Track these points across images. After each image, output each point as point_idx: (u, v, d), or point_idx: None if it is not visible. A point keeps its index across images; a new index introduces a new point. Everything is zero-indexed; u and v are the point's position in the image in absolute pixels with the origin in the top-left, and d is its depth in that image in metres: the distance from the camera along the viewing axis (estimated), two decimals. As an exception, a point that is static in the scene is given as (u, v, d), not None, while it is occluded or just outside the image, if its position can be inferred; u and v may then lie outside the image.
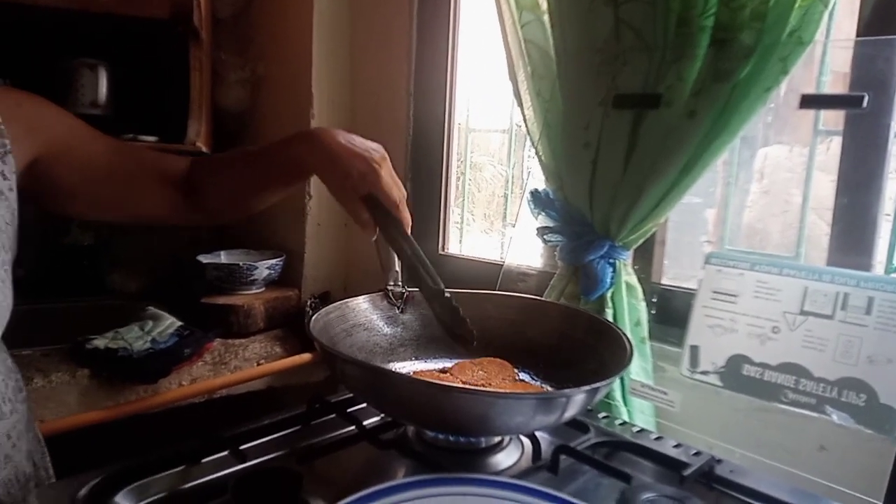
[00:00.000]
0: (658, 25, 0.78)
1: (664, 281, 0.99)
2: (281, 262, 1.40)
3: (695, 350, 0.79)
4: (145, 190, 0.78)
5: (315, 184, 1.39)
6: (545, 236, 0.97)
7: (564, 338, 0.78)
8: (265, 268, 1.36)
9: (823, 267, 0.75)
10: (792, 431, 0.75)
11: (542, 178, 0.97)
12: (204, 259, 1.38)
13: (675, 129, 0.78)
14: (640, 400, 0.84)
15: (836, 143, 0.82)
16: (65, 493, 0.56)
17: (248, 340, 1.28)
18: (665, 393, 0.79)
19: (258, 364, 1.25)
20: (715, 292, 0.79)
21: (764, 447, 0.75)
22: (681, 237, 1.00)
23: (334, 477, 0.63)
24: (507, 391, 0.68)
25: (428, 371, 0.77)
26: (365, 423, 0.70)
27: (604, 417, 0.77)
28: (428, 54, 1.34)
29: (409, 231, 0.70)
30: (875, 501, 0.66)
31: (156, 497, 0.59)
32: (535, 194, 0.97)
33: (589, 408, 0.71)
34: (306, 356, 1.29)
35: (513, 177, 1.37)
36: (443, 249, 1.39)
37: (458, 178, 1.39)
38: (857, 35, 0.79)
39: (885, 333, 0.66)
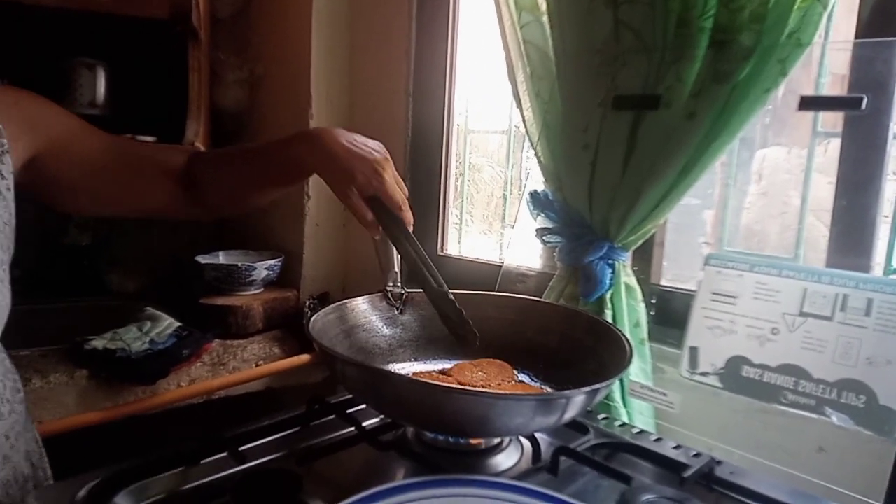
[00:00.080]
0: (657, 27, 0.78)
1: (663, 282, 0.99)
2: (279, 263, 1.39)
3: (694, 351, 0.79)
4: (145, 183, 0.78)
5: (314, 184, 1.38)
6: (544, 237, 0.97)
7: (564, 339, 0.78)
8: (264, 268, 1.35)
9: (823, 268, 0.75)
10: (791, 433, 0.75)
11: (542, 179, 0.97)
12: (202, 260, 1.37)
13: (675, 131, 0.78)
14: (639, 401, 0.84)
15: (835, 144, 0.82)
16: (64, 494, 0.56)
17: (247, 341, 1.27)
18: (664, 394, 0.79)
19: (257, 365, 1.25)
20: (714, 294, 0.79)
21: (763, 448, 0.75)
22: (680, 238, 1.00)
23: (334, 478, 0.63)
24: (507, 392, 0.68)
25: (427, 372, 0.77)
26: (364, 424, 0.70)
27: (603, 419, 0.77)
28: (427, 55, 1.34)
29: (412, 231, 0.70)
30: (874, 503, 0.67)
31: (155, 498, 0.58)
32: (534, 195, 0.97)
33: (588, 409, 0.71)
34: (305, 357, 1.28)
35: (512, 178, 1.37)
36: (441, 250, 1.38)
37: (456, 179, 1.38)
38: (856, 37, 0.79)
39: (884, 335, 0.66)
